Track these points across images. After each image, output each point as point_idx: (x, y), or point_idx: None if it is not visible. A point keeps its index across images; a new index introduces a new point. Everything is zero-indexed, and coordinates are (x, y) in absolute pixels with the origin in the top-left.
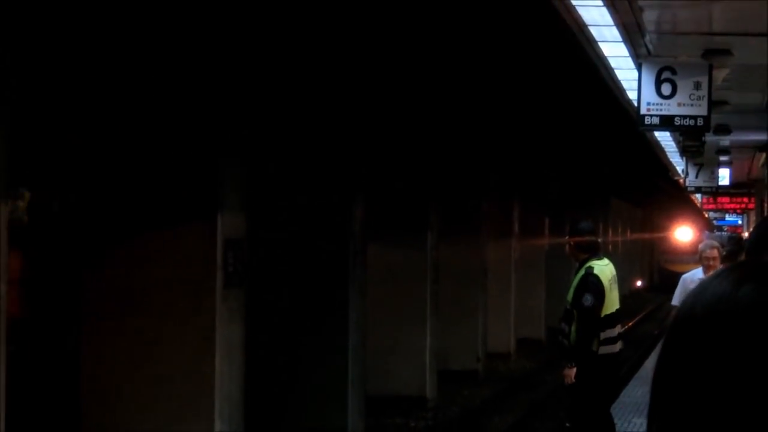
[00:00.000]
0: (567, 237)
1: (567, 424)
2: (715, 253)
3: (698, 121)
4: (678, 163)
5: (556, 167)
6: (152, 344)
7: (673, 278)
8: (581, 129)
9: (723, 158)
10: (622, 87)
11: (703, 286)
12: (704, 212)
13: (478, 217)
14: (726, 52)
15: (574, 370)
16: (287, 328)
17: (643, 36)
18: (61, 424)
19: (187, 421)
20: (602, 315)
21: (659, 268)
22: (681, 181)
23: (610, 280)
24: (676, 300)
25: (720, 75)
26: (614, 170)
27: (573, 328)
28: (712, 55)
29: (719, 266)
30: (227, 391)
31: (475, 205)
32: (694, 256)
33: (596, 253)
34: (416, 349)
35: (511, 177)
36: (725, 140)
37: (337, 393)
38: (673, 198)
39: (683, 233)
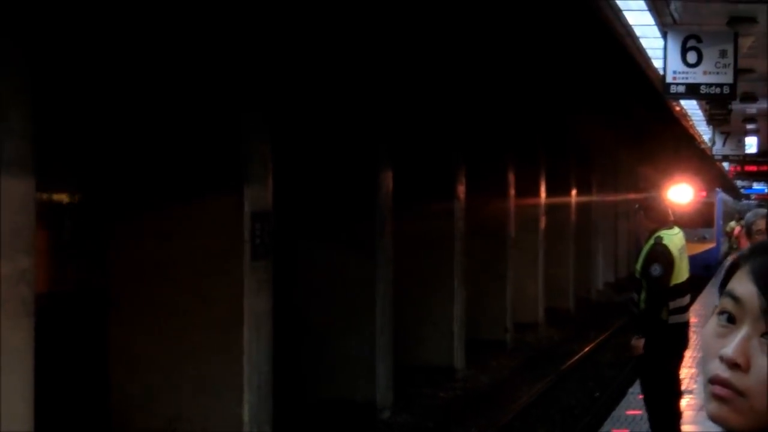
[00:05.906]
0: (637, 208)
1: (596, 394)
2: (763, 224)
3: (724, 89)
4: (705, 132)
5: (584, 138)
6: (180, 317)
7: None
8: (606, 98)
9: (750, 126)
10: (648, 56)
11: None
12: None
13: (504, 186)
14: (751, 19)
15: (643, 341)
16: (314, 299)
17: (668, 4)
18: (90, 396)
19: (216, 393)
20: (671, 284)
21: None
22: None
23: (679, 249)
24: None
25: (746, 43)
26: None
27: (642, 297)
28: (738, 22)
29: None
30: (256, 362)
31: (502, 174)
32: (698, 230)
33: (666, 223)
34: (444, 320)
35: (538, 147)
36: (752, 108)
37: (366, 364)
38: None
39: (680, 193)
